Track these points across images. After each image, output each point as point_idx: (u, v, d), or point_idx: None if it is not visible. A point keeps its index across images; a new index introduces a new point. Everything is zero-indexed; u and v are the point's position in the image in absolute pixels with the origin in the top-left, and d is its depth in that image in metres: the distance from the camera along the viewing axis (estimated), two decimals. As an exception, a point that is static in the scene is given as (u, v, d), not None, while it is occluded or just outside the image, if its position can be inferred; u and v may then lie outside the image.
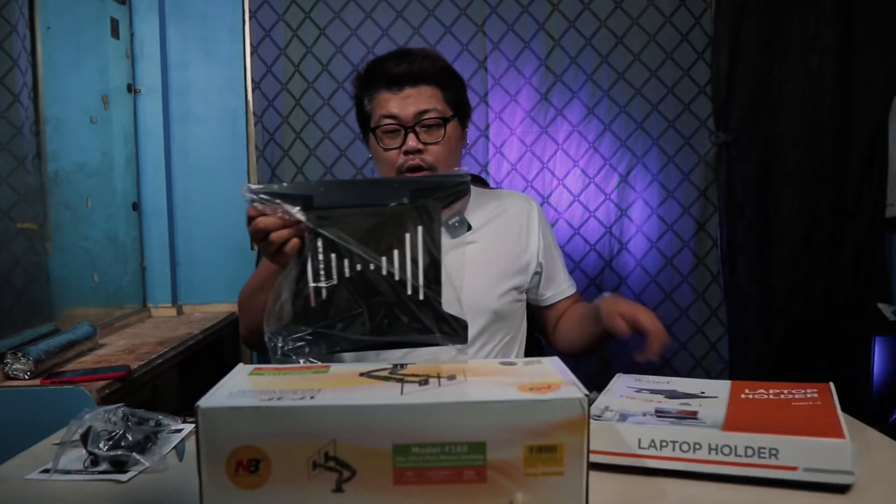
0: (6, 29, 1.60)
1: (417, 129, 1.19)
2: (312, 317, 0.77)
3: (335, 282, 0.77)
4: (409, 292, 0.77)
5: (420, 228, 0.76)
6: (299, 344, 0.76)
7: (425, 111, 1.20)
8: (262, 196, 0.78)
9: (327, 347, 0.77)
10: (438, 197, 0.76)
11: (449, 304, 0.78)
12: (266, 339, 0.76)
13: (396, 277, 0.77)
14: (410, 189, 0.76)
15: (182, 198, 2.21)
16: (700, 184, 2.03)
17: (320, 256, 0.76)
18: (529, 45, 2.02)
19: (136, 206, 2.15)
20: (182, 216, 2.22)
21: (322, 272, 0.77)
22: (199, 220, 2.21)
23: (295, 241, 0.78)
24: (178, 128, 2.20)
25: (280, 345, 0.76)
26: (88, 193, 1.91)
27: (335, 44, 2.03)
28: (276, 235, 0.80)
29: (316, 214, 0.76)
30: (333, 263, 0.77)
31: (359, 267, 0.76)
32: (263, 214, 0.81)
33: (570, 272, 1.44)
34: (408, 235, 0.76)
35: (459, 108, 1.27)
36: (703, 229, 2.04)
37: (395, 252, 0.77)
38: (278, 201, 0.77)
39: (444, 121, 1.21)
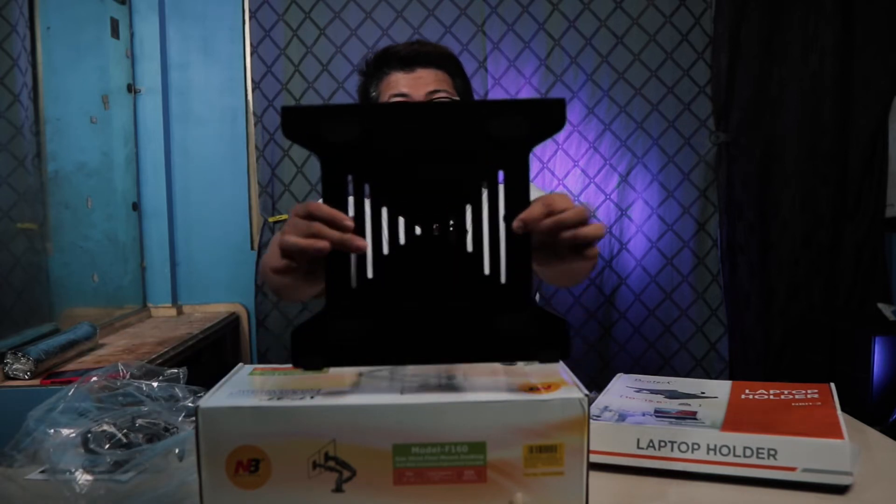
0: (6, 29, 1.60)
1: None
2: (352, 305, 0.56)
3: (386, 252, 0.56)
4: (487, 272, 0.56)
5: (501, 175, 0.55)
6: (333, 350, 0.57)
7: (436, 91, 1.18)
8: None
9: (375, 356, 0.57)
10: (524, 126, 0.54)
11: None
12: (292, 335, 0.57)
13: (469, 248, 0.56)
14: (480, 116, 0.55)
15: (182, 198, 2.21)
16: (700, 184, 2.03)
17: (367, 214, 0.56)
18: (529, 45, 2.02)
19: (136, 206, 2.15)
20: (182, 216, 2.22)
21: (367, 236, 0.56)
22: (199, 220, 2.21)
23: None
24: (178, 128, 2.20)
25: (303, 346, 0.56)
26: (88, 193, 1.90)
27: (335, 44, 2.03)
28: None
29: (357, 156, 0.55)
30: (384, 226, 0.56)
31: (418, 230, 0.56)
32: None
33: None
34: (484, 189, 0.56)
35: (466, 98, 1.26)
36: (703, 229, 2.04)
37: (466, 211, 0.56)
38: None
39: None
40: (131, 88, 2.14)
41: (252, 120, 2.10)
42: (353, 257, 0.56)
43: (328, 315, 0.56)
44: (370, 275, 0.56)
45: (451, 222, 0.56)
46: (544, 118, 0.54)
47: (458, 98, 1.22)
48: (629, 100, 2.02)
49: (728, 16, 2.04)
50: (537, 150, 2.04)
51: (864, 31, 2.10)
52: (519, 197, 0.55)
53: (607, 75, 2.02)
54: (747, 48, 2.08)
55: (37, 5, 1.70)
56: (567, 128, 2.04)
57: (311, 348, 0.56)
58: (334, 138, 0.54)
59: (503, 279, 0.56)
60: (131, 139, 2.14)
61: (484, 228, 0.56)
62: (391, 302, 0.56)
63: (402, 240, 0.56)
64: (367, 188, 0.56)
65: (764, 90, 2.11)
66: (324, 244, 0.55)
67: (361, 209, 0.56)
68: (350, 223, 0.55)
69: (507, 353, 0.57)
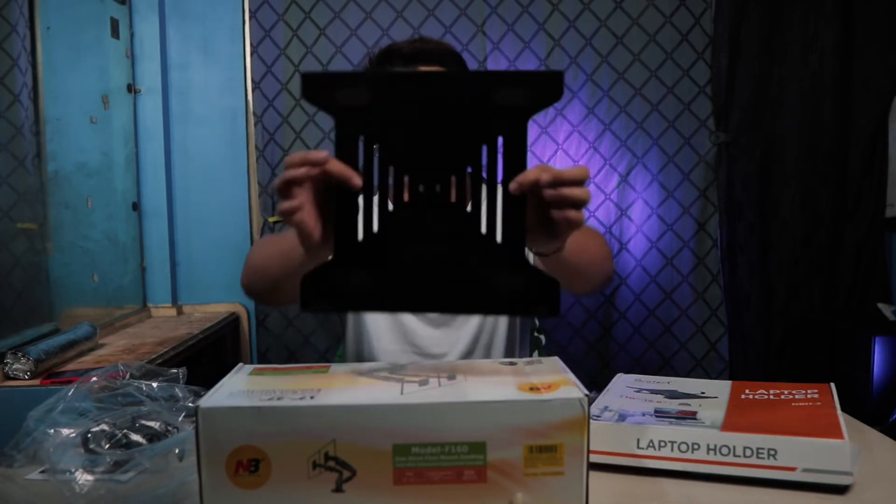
0: (6, 29, 1.60)
1: None
2: (358, 256, 0.60)
3: (391, 208, 0.60)
4: (484, 231, 0.60)
5: (500, 141, 0.59)
6: (341, 293, 0.60)
7: None
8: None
9: (377, 302, 0.62)
10: (523, 96, 0.58)
11: None
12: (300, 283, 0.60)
13: (468, 208, 0.60)
14: (483, 85, 0.59)
15: (182, 198, 2.21)
16: (700, 184, 2.03)
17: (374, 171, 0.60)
18: (529, 45, 2.02)
19: (136, 206, 2.15)
20: (182, 216, 2.22)
21: (374, 192, 0.60)
22: (199, 220, 2.21)
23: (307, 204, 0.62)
24: (178, 128, 2.20)
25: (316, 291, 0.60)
26: (88, 193, 1.90)
27: (335, 44, 2.03)
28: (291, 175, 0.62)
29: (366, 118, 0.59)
30: (390, 183, 0.60)
31: (421, 189, 0.60)
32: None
33: None
34: (484, 150, 0.59)
35: None
36: (703, 229, 2.04)
37: (465, 172, 0.60)
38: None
39: None
40: (131, 88, 2.14)
41: (252, 120, 2.10)
42: (360, 211, 0.60)
43: (335, 264, 0.60)
44: (375, 229, 0.60)
45: (453, 178, 0.59)
46: (543, 88, 0.58)
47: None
48: (629, 100, 2.02)
49: (728, 16, 2.04)
50: (537, 150, 2.04)
51: (864, 31, 2.10)
52: (517, 162, 0.59)
53: (607, 75, 2.02)
54: (747, 48, 2.08)
55: (37, 5, 1.70)
56: (567, 128, 2.04)
57: (318, 294, 0.60)
58: (348, 102, 0.59)
59: (499, 239, 0.59)
60: (131, 139, 2.14)
61: (482, 190, 0.59)
62: (394, 254, 0.60)
63: (405, 197, 0.60)
64: (375, 148, 0.60)
65: (764, 90, 2.11)
66: (308, 171, 0.61)
67: (370, 166, 0.60)
68: (358, 180, 0.59)
69: (502, 307, 0.63)
